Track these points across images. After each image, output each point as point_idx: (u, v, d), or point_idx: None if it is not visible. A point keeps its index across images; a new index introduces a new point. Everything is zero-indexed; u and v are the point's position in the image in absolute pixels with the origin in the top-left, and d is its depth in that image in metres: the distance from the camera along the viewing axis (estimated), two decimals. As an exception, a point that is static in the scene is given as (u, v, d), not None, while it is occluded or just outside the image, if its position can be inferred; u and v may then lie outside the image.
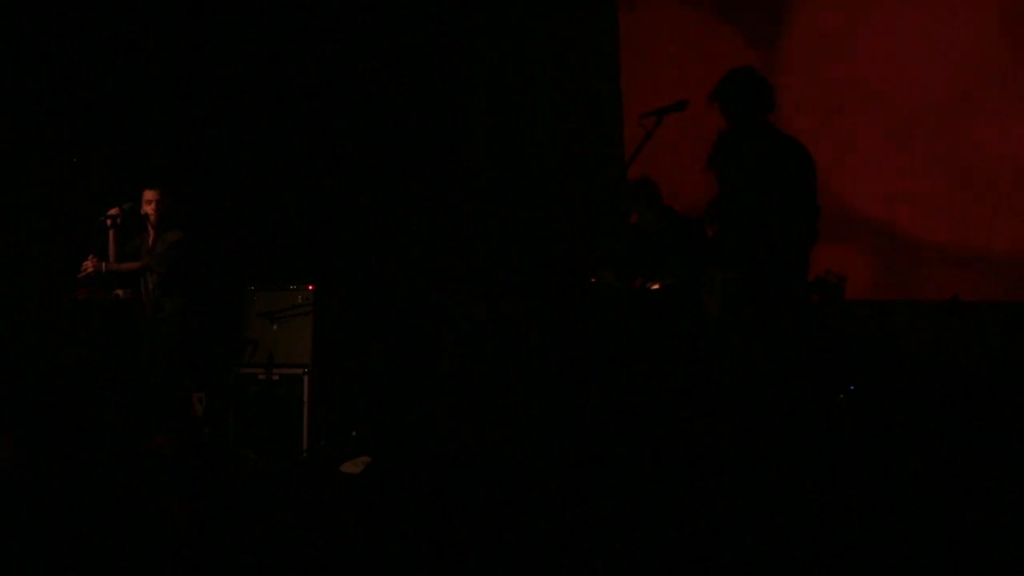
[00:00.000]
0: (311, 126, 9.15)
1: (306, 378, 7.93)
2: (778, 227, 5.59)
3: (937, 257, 7.75)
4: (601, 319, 6.92)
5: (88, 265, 7.72)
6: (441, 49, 9.27)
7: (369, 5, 9.21)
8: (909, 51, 7.86)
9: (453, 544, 5.10)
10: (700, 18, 8.62)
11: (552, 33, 8.95)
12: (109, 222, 7.84)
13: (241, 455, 7.73)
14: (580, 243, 8.48)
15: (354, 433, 7.86)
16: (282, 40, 9.11)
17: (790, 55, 8.27)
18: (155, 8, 8.80)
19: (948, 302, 7.35)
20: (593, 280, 7.12)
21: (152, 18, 8.80)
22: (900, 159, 7.83)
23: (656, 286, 6.87)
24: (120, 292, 7.94)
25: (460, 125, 9.20)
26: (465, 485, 6.35)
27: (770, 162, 5.69)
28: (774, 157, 5.70)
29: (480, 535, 5.21)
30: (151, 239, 7.92)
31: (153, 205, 7.86)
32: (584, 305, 7.67)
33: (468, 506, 5.86)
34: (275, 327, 8.04)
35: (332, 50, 9.19)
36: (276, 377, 7.96)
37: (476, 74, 9.21)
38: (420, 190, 9.07)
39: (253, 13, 9.04)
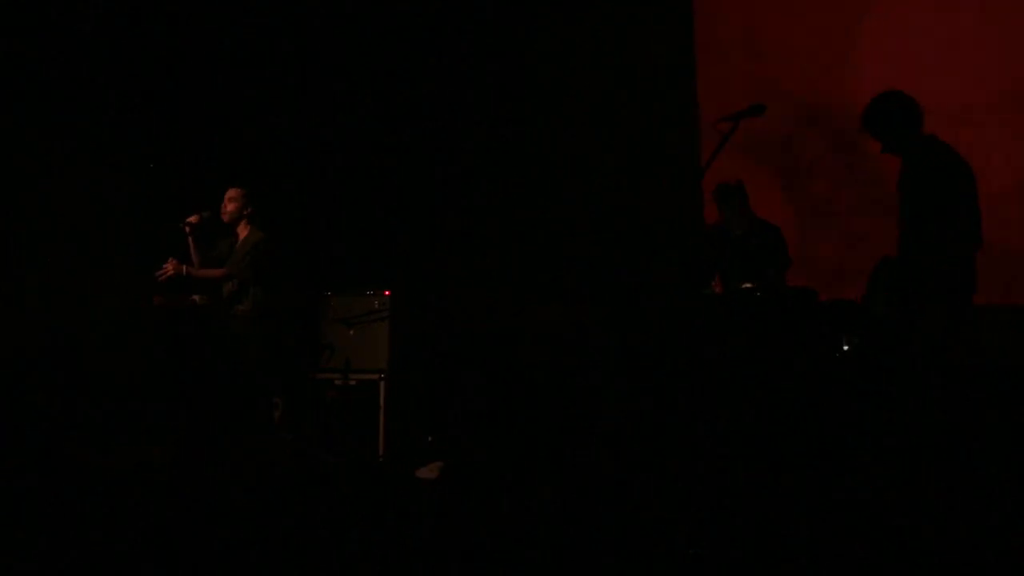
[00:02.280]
0: (391, 132, 9.19)
1: (382, 383, 7.95)
2: (942, 233, 5.65)
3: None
4: (696, 323, 6.94)
5: (169, 267, 7.78)
6: (512, 54, 9.28)
7: (439, 16, 9.26)
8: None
9: (523, 550, 5.10)
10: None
11: (625, 35, 8.92)
12: (188, 229, 7.90)
13: (318, 459, 7.76)
14: (653, 248, 8.46)
15: (430, 438, 7.87)
16: (368, 45, 9.18)
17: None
18: (230, 16, 8.89)
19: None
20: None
21: (226, 27, 8.89)
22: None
23: (748, 285, 6.89)
24: (197, 298, 8.00)
25: (532, 131, 9.19)
26: (540, 491, 6.35)
27: (931, 173, 5.78)
28: (934, 168, 5.79)
29: (554, 540, 5.21)
30: (236, 243, 7.98)
31: (235, 204, 7.93)
32: (657, 311, 7.66)
33: (540, 511, 5.85)
34: (352, 332, 8.07)
35: (412, 57, 9.24)
36: (353, 382, 7.99)
37: (547, 78, 9.20)
38: (494, 196, 9.09)
39: (330, 22, 9.11)
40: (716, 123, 6.07)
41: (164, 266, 7.79)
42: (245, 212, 7.94)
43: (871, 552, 4.71)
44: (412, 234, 9.06)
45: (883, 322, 5.94)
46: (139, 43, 8.63)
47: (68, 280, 8.35)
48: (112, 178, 8.54)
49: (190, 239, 7.93)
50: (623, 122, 8.93)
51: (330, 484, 7.05)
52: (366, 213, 9.11)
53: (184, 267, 7.81)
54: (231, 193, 7.94)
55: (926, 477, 5.60)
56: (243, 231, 7.97)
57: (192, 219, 7.90)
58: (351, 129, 9.14)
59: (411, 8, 9.25)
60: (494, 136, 9.20)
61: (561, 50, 9.09)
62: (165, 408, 7.67)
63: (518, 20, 9.23)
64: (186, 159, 8.70)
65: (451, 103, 9.24)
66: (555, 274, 8.69)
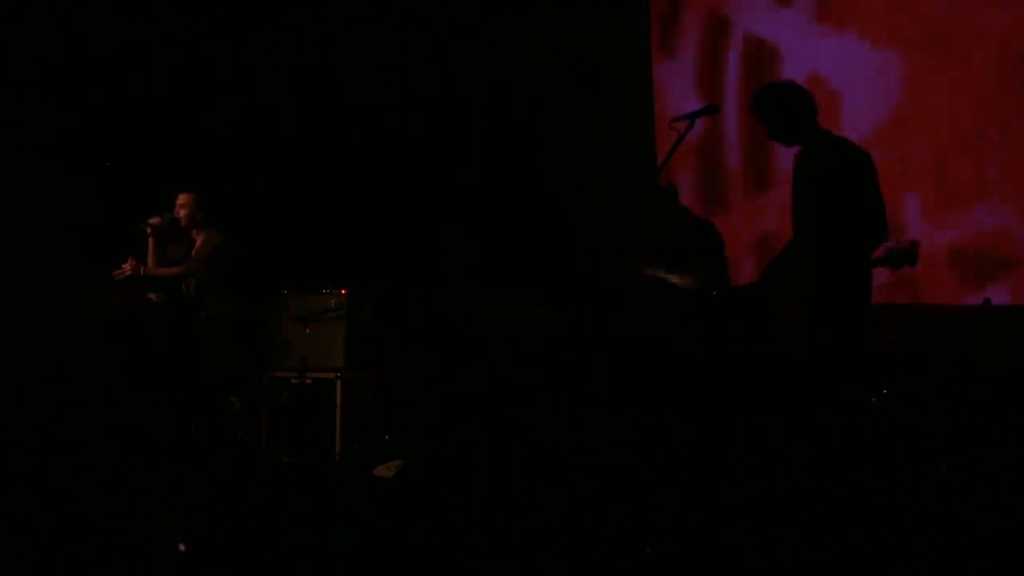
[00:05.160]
0: (346, 129, 9.18)
1: (339, 382, 7.94)
2: (843, 229, 5.61)
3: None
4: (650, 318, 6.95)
5: (127, 267, 7.80)
6: (468, 55, 9.29)
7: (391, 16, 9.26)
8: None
9: (482, 549, 5.12)
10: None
11: (583, 37, 8.95)
12: (149, 230, 7.92)
13: (274, 458, 7.74)
14: (610, 247, 8.48)
15: (387, 437, 7.87)
16: (317, 48, 9.16)
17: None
18: (187, 16, 8.86)
19: (980, 306, 7.29)
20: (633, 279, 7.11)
21: (184, 26, 8.85)
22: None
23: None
24: (153, 296, 8.00)
25: (489, 130, 9.20)
26: (496, 491, 6.36)
27: (827, 166, 5.71)
28: (830, 160, 5.72)
29: (509, 540, 5.22)
30: (194, 246, 7.99)
31: (186, 209, 7.95)
32: (614, 309, 7.68)
33: (497, 512, 5.87)
34: (308, 330, 8.04)
35: (364, 56, 9.23)
36: (309, 381, 7.96)
37: (504, 76, 9.21)
38: (452, 194, 9.09)
39: (293, 20, 9.09)
40: (671, 122, 6.03)
41: (123, 265, 7.80)
42: (198, 217, 7.97)
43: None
44: (368, 231, 9.05)
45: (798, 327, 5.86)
46: (93, 43, 8.57)
47: (27, 278, 8.31)
48: (68, 177, 8.49)
49: (150, 240, 7.95)
50: (579, 121, 8.96)
51: (287, 483, 7.03)
52: (322, 211, 9.08)
53: (141, 267, 7.83)
54: (182, 199, 7.99)
55: (951, 484, 5.62)
56: (199, 235, 8.01)
57: (154, 220, 7.93)
58: (306, 128, 9.12)
59: (362, 8, 9.23)
60: (448, 135, 9.21)
61: (517, 49, 9.11)
62: (125, 405, 7.66)
63: (472, 20, 9.23)
64: (140, 159, 8.65)
65: (404, 102, 9.23)
66: (511, 272, 8.70)
